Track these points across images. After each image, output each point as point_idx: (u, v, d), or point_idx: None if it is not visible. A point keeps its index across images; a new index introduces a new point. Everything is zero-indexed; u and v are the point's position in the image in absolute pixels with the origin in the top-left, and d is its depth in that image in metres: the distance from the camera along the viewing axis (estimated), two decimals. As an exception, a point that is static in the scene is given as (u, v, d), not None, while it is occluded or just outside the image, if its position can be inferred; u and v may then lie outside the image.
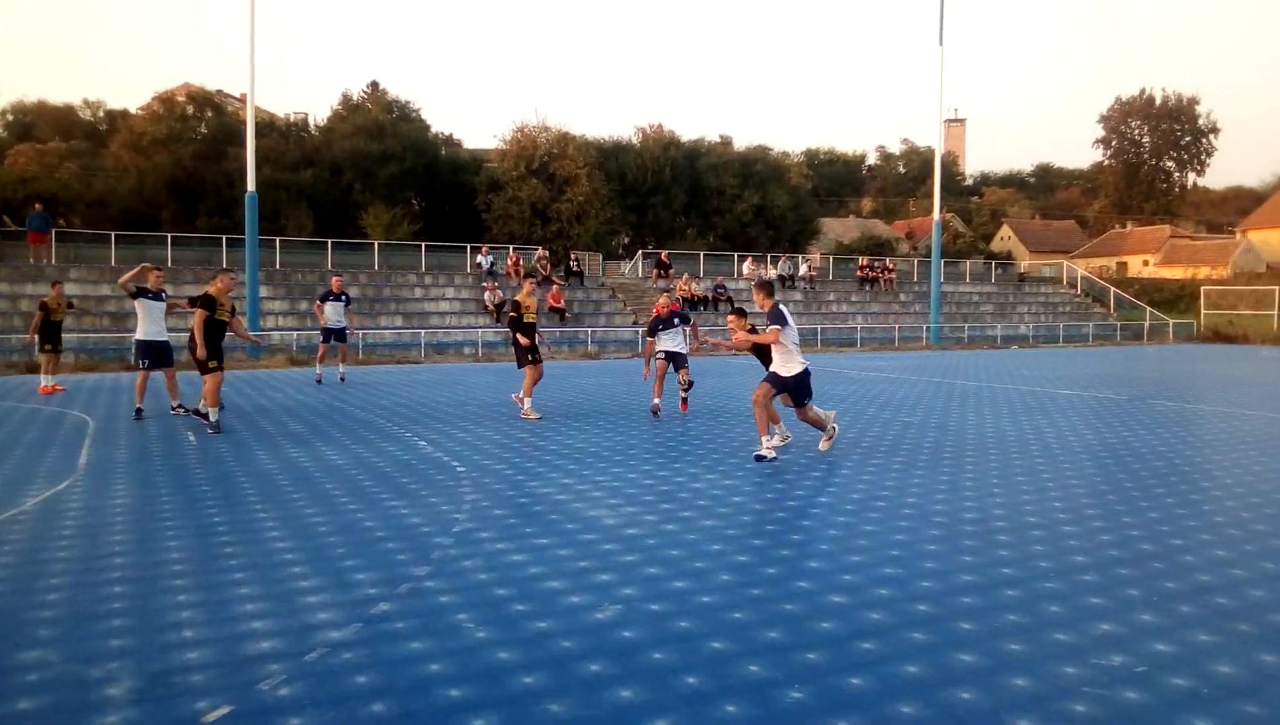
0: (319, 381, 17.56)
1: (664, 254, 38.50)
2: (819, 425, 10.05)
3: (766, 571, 5.77)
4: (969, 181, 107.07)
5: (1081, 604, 5.22)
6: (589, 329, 30.36)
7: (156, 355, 12.49)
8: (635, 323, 31.86)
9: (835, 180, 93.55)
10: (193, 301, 11.41)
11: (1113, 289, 47.65)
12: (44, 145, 48.94)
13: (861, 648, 4.55)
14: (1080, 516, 7.28)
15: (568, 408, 14.04)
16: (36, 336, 16.31)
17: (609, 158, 49.29)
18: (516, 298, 12.90)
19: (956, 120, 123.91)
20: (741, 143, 58.28)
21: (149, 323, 12.43)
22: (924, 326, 37.31)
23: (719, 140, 57.43)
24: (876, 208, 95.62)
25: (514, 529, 6.80)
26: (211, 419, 11.24)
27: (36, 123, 57.25)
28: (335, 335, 17.55)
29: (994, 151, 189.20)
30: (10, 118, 60.19)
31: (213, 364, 11.08)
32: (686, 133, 64.53)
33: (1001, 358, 29.24)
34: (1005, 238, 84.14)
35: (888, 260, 45.60)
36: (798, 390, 9.63)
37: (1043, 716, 3.83)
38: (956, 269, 46.85)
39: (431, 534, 6.65)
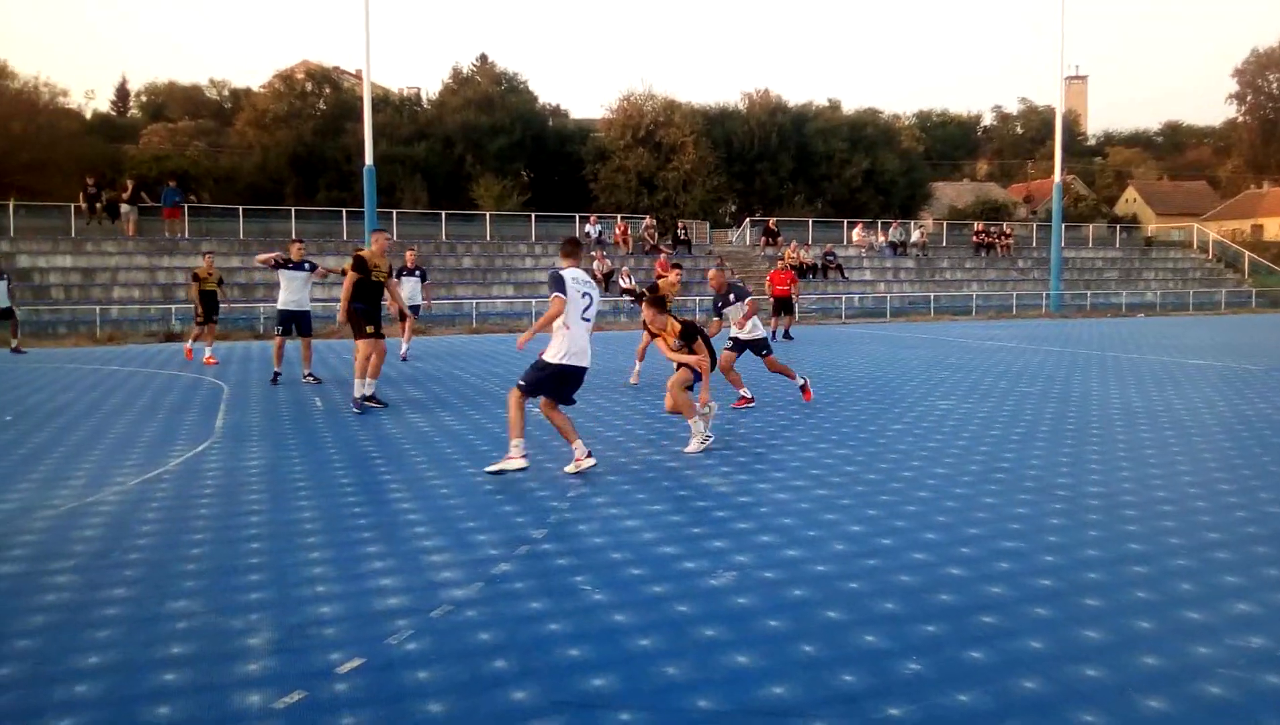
0: (15, 351, 18.18)
1: (772, 221, 38.08)
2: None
3: (881, 542, 5.71)
4: (1091, 142, 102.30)
5: (1216, 582, 5.01)
6: (696, 298, 30.32)
7: (295, 323, 12.97)
8: (743, 291, 31.66)
9: (949, 142, 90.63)
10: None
11: (1247, 253, 45.05)
12: (175, 124, 51.29)
13: (982, 621, 4.47)
14: (1213, 492, 6.97)
15: (664, 376, 14.07)
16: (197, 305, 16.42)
17: (715, 125, 48.86)
18: (659, 283, 12.73)
19: (1078, 77, 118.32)
20: (850, 106, 57.44)
21: (289, 292, 12.88)
22: (1044, 294, 36.00)
23: (827, 104, 56.36)
24: (992, 171, 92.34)
25: (627, 495, 6.89)
26: (355, 394, 10.71)
27: (167, 103, 60.01)
28: (3, 314, 18.38)
29: (1118, 110, 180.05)
30: (144, 99, 63.27)
31: (369, 329, 10.53)
32: (793, 98, 63.74)
33: (1127, 326, 28.03)
34: (1130, 200, 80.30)
35: (1004, 225, 44.11)
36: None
37: (1174, 697, 3.70)
38: (1078, 233, 44.96)
39: (548, 498, 6.80)
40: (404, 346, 16.79)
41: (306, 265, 13.06)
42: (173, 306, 24.26)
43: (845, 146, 50.85)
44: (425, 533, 5.94)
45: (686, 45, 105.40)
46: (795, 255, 33.68)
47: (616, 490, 7.03)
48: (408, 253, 17.84)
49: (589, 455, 7.52)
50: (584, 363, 7.41)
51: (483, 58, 53.56)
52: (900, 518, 6.25)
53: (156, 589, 4.96)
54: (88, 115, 54.19)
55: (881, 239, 38.90)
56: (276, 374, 13.04)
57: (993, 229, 41.83)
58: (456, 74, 52.36)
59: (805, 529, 5.98)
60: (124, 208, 28.61)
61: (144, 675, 3.95)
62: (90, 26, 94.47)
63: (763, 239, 36.99)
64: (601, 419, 10.24)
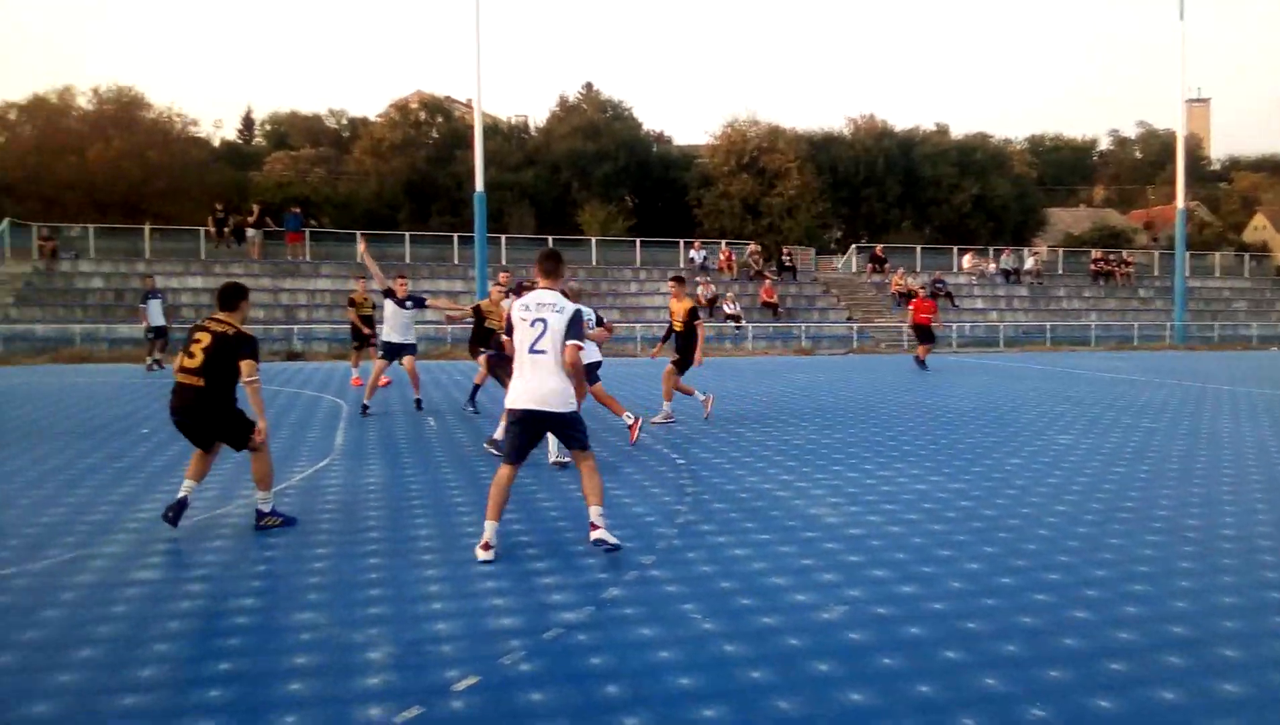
0: (150, 369, 18.91)
1: (878, 248, 37.55)
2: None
3: (1000, 581, 5.54)
4: (1215, 166, 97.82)
5: (1369, 636, 4.71)
6: (802, 325, 30.08)
7: (393, 354, 13.10)
8: (849, 319, 31.26)
9: (1063, 167, 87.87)
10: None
11: (1392, 284, 42.31)
12: (297, 152, 53.49)
13: (1110, 668, 4.29)
14: (1363, 539, 6.55)
15: (782, 405, 13.97)
16: (357, 328, 16.35)
17: (820, 150, 48.54)
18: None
19: (1199, 100, 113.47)
20: (959, 131, 56.10)
21: (391, 325, 12.94)
22: (1167, 324, 34.50)
23: (934, 129, 55.43)
24: (1110, 196, 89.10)
25: (735, 523, 6.85)
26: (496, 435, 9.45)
27: (290, 132, 62.62)
28: (157, 332, 18.99)
29: (1243, 133, 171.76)
30: (268, 128, 66.27)
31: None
32: (900, 122, 62.70)
33: (1259, 359, 26.62)
34: (1259, 227, 76.36)
35: (1124, 252, 42.50)
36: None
37: (1326, 757, 3.49)
38: (1203, 262, 43.01)
39: (655, 524, 6.82)
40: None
41: (409, 302, 12.91)
42: (294, 327, 25.26)
43: (954, 171, 49.87)
44: (536, 554, 6.02)
45: (790, 71, 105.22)
46: (902, 282, 33.10)
47: (724, 518, 7.00)
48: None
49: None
50: (526, 405, 5.87)
51: (588, 86, 54.48)
52: (1020, 556, 6.06)
53: (283, 600, 5.16)
54: (216, 143, 57.08)
55: (993, 266, 37.93)
56: (366, 407, 12.87)
57: (1112, 256, 40.36)
58: (563, 102, 53.38)
59: (919, 564, 5.85)
60: (249, 232, 29.99)
61: (272, 684, 4.10)
62: (219, 60, 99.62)
63: (869, 266, 36.50)
64: (706, 445, 10.23)
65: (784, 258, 35.45)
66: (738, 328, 29.02)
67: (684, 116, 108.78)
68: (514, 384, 5.93)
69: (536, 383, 5.84)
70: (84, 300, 25.84)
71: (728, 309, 29.72)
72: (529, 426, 5.95)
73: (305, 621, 4.84)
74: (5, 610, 4.95)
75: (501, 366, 10.17)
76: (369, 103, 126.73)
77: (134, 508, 7.21)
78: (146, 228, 30.50)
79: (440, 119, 50.47)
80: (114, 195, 39.16)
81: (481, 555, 5.85)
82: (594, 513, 5.96)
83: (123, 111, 42.47)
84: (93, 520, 6.83)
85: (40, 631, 4.69)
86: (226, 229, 30.34)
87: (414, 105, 51.47)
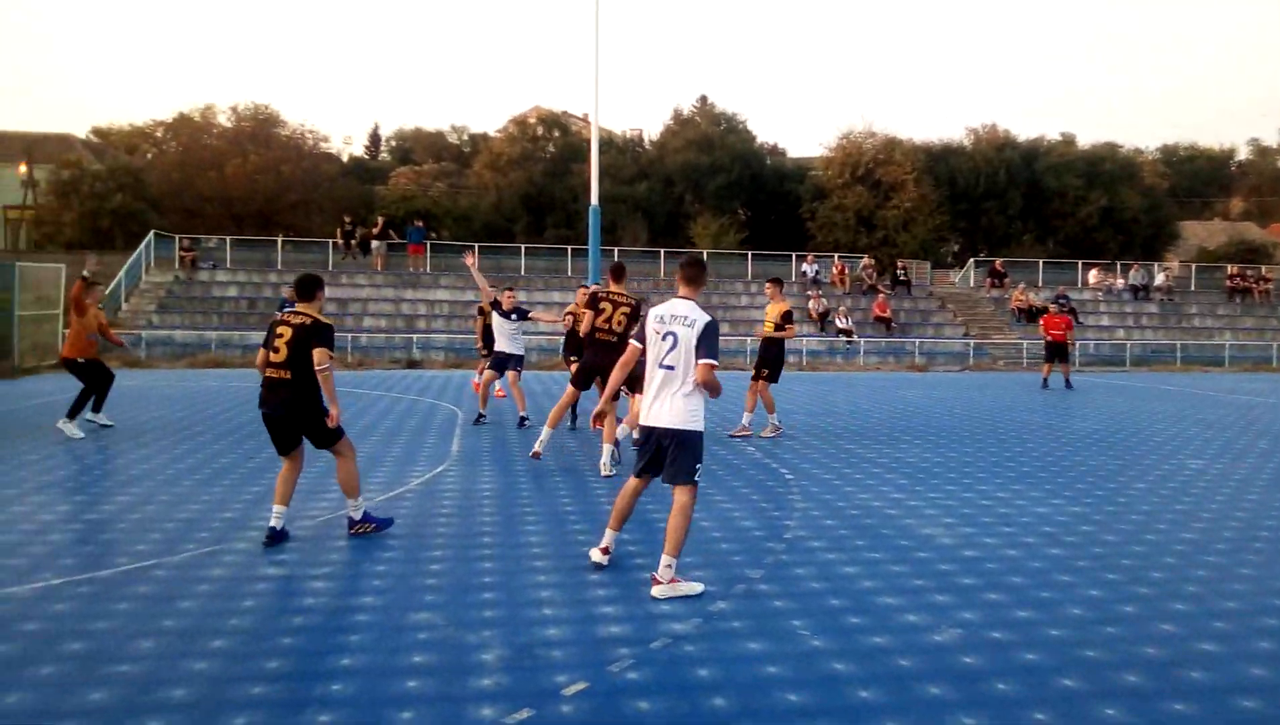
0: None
1: (998, 262, 36.48)
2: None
3: (1123, 609, 5.34)
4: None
5: None
6: (916, 340, 29.46)
7: (500, 365, 13.23)
8: (966, 334, 30.47)
9: (1197, 178, 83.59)
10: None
11: None
12: (420, 167, 55.22)
13: (1241, 705, 4.09)
14: None
15: (894, 421, 13.73)
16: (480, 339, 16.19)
17: (938, 162, 47.44)
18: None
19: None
20: (1086, 140, 53.96)
21: (497, 335, 13.09)
22: (1311, 345, 32.45)
23: (1060, 139, 53.45)
24: (1249, 209, 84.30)
25: (845, 540, 6.78)
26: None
27: (414, 147, 64.69)
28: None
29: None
30: (393, 144, 68.64)
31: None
32: (1023, 132, 60.72)
33: None
34: None
35: (1263, 268, 40.18)
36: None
37: None
38: (1355, 278, 40.26)
39: (763, 538, 6.80)
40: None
41: (514, 314, 13.03)
42: (414, 336, 26.07)
43: (1080, 183, 48.03)
44: (644, 564, 6.08)
45: (909, 81, 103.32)
46: (1024, 297, 32.08)
47: (834, 535, 6.93)
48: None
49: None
50: (648, 422, 5.62)
51: (703, 99, 54.59)
52: (1144, 584, 5.82)
53: (401, 600, 5.35)
54: (345, 159, 59.38)
55: (1120, 281, 36.39)
56: (481, 416, 13.06)
57: (1249, 272, 38.20)
58: (678, 115, 53.62)
59: (1037, 589, 5.68)
60: (374, 244, 31.11)
61: (390, 681, 4.26)
62: (350, 79, 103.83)
63: (988, 280, 35.48)
64: (816, 461, 10.13)
65: (899, 271, 34.77)
66: (849, 342, 28.61)
67: (798, 129, 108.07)
68: (645, 397, 5.68)
69: (661, 398, 5.57)
70: (220, 308, 27.22)
71: (840, 323, 29.34)
72: (652, 443, 5.65)
73: (422, 621, 5.01)
74: (148, 599, 5.27)
75: (581, 375, 9.93)
76: (489, 118, 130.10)
77: (263, 506, 7.55)
78: (279, 239, 31.99)
79: (557, 133, 51.37)
80: (249, 208, 41.19)
81: (595, 557, 5.89)
82: (663, 562, 5.46)
83: (259, 128, 44.66)
84: (225, 517, 7.21)
85: (178, 621, 4.99)
86: (353, 241, 31.55)
87: (532, 120, 52.53)
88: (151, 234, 29.06)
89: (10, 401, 14.43)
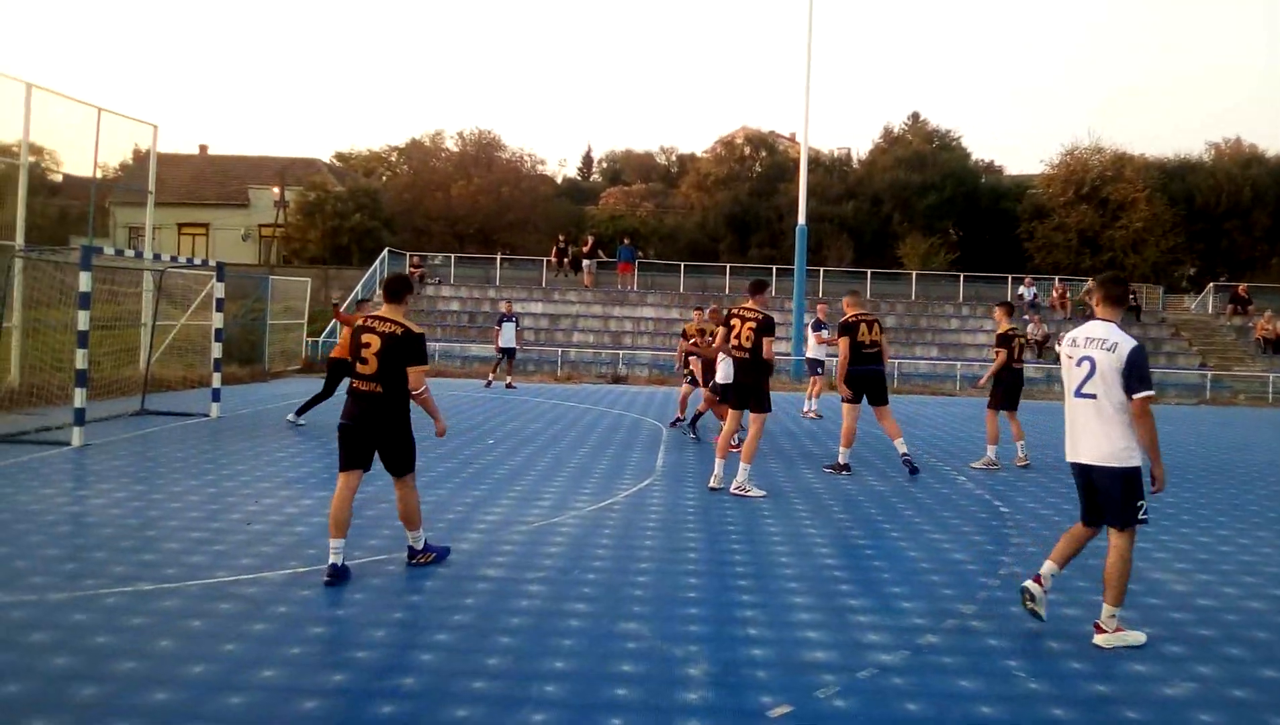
0: (488, 385, 20.47)
1: (1241, 287, 33.46)
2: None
3: (1394, 677, 4.79)
4: None
5: None
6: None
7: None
8: (1202, 365, 28.10)
9: None
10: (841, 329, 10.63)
11: None
12: (629, 187, 56.75)
13: None
14: None
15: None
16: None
17: (1173, 179, 44.00)
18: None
19: None
20: (1360, 153, 48.47)
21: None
22: None
23: (1317, 153, 48.44)
24: None
25: (1066, 581, 6.40)
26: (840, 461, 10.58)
27: (624, 168, 66.57)
28: (507, 353, 20.77)
29: None
30: (604, 165, 70.85)
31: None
32: (1272, 147, 55.35)
33: None
34: None
35: None
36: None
37: None
38: None
39: (976, 573, 6.55)
40: (509, 378, 20.80)
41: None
42: (620, 352, 26.77)
43: (1346, 201, 43.31)
44: (849, 591, 6.00)
45: (1141, 94, 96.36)
46: (1270, 326, 29.27)
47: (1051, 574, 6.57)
48: (505, 303, 21.84)
49: None
50: (1071, 457, 5.30)
51: (914, 116, 53.16)
52: None
53: (610, 608, 5.53)
54: (559, 180, 61.81)
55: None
56: (677, 420, 13.74)
57: None
58: (888, 133, 52.45)
59: (1289, 648, 5.19)
60: (585, 262, 32.21)
61: (601, 686, 4.42)
62: (566, 104, 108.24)
63: (1229, 306, 32.58)
64: (1033, 494, 9.64)
65: (1129, 296, 32.55)
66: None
67: (1017, 144, 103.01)
68: (1068, 430, 5.30)
69: (1080, 431, 5.18)
70: (443, 321, 28.92)
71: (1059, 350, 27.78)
72: (1080, 479, 5.32)
73: (630, 631, 5.16)
74: (381, 592, 5.70)
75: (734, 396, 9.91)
76: (697, 139, 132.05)
77: (484, 509, 8.00)
78: (498, 257, 33.70)
79: (764, 153, 51.45)
80: (471, 227, 43.60)
81: (1031, 588, 5.35)
82: (1105, 612, 5.13)
83: (482, 152, 47.23)
84: (449, 518, 7.67)
85: (406, 613, 5.37)
86: (566, 259, 32.79)
87: (739, 140, 52.87)
88: (386, 251, 31.26)
89: (262, 402, 15.91)
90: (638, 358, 26.72)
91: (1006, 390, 11.49)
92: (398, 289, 6.18)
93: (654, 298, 30.82)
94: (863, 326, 10.45)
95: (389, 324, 5.95)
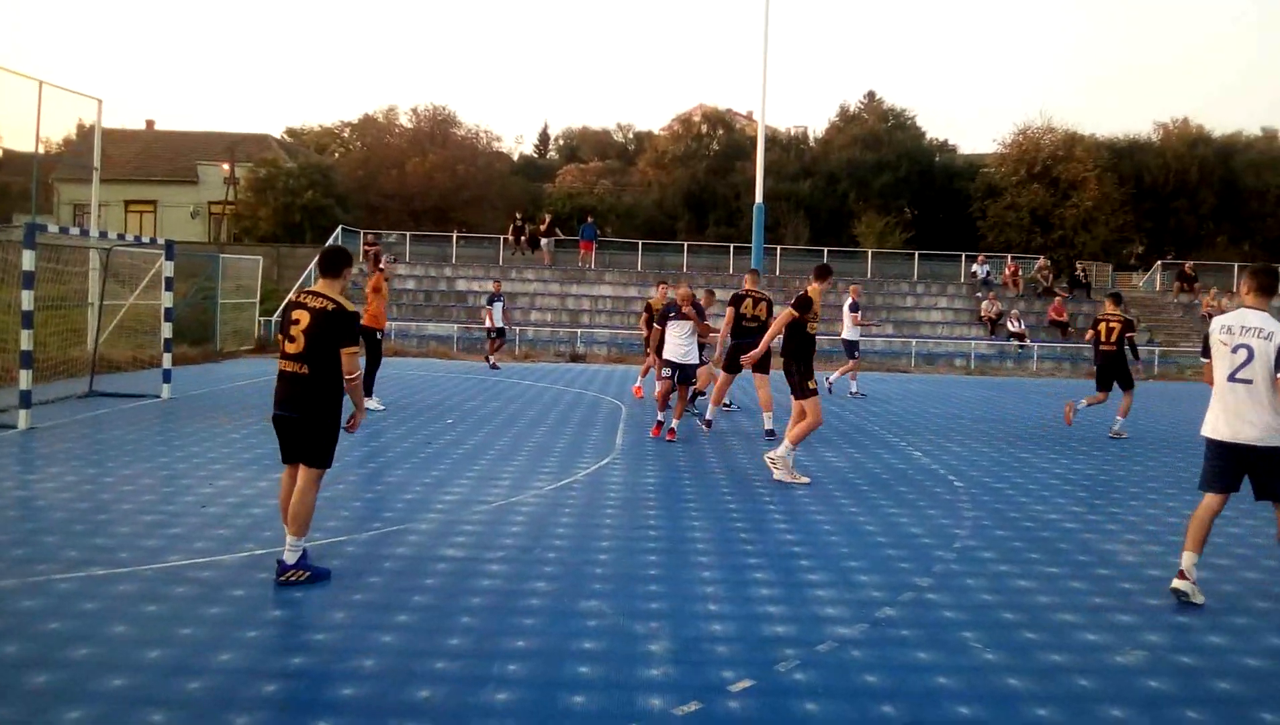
0: (495, 367, 20.38)
1: (1187, 265, 34.19)
2: None
3: (1333, 642, 4.95)
4: None
5: None
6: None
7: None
8: (1151, 341, 28.70)
9: None
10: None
11: None
12: (586, 165, 56.37)
13: None
14: None
15: (1070, 431, 13.10)
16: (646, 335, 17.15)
17: (1122, 158, 44.71)
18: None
19: None
20: (1292, 136, 49.60)
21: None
22: None
23: (1260, 134, 49.48)
24: None
25: (1018, 553, 6.55)
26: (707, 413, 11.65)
27: (580, 145, 66.06)
28: (497, 332, 20.91)
29: None
30: (561, 142, 70.32)
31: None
32: (1219, 127, 56.39)
33: None
34: None
35: None
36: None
37: None
38: None
39: (932, 546, 6.65)
40: (493, 358, 20.95)
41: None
42: (578, 330, 26.70)
43: (1284, 181, 44.34)
44: (809, 566, 6.06)
45: (1091, 74, 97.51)
46: (1215, 303, 29.96)
47: (1006, 546, 6.71)
48: (494, 283, 22.73)
49: None
50: (1224, 437, 5.51)
51: (870, 95, 53.43)
52: (1358, 618, 5.37)
53: (571, 586, 5.53)
54: (515, 157, 61.27)
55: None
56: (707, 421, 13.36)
57: None
58: (844, 112, 52.66)
59: (1231, 615, 5.34)
60: (543, 240, 32.02)
61: (562, 664, 4.42)
62: (521, 81, 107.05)
63: (1176, 283, 33.30)
64: (986, 468, 9.80)
65: (1077, 273, 33.09)
66: (1022, 347, 27.45)
67: (970, 124, 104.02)
68: (1213, 411, 5.60)
69: (1238, 415, 5.40)
70: (399, 300, 28.59)
71: (1012, 327, 28.18)
72: (1229, 460, 5.52)
73: (591, 609, 5.17)
74: (339, 573, 5.63)
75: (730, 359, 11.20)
76: (654, 116, 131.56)
77: (443, 489, 7.95)
78: (454, 235, 33.37)
79: (721, 131, 51.41)
80: (427, 204, 43.07)
81: (1176, 584, 5.50)
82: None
83: (437, 129, 46.67)
84: (407, 499, 7.61)
85: (366, 594, 5.32)
86: (523, 237, 32.57)
87: (696, 118, 52.75)
88: (339, 229, 30.82)
89: (214, 382, 15.66)
90: (596, 336, 26.68)
91: (1102, 369, 12.69)
92: (335, 262, 5.66)
93: (612, 276, 30.75)
94: (748, 302, 11.55)
95: (321, 300, 5.44)
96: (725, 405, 13.10)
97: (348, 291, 5.83)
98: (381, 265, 13.97)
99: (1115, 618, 5.25)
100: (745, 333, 11.28)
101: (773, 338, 9.18)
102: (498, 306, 20.74)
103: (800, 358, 8.71)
